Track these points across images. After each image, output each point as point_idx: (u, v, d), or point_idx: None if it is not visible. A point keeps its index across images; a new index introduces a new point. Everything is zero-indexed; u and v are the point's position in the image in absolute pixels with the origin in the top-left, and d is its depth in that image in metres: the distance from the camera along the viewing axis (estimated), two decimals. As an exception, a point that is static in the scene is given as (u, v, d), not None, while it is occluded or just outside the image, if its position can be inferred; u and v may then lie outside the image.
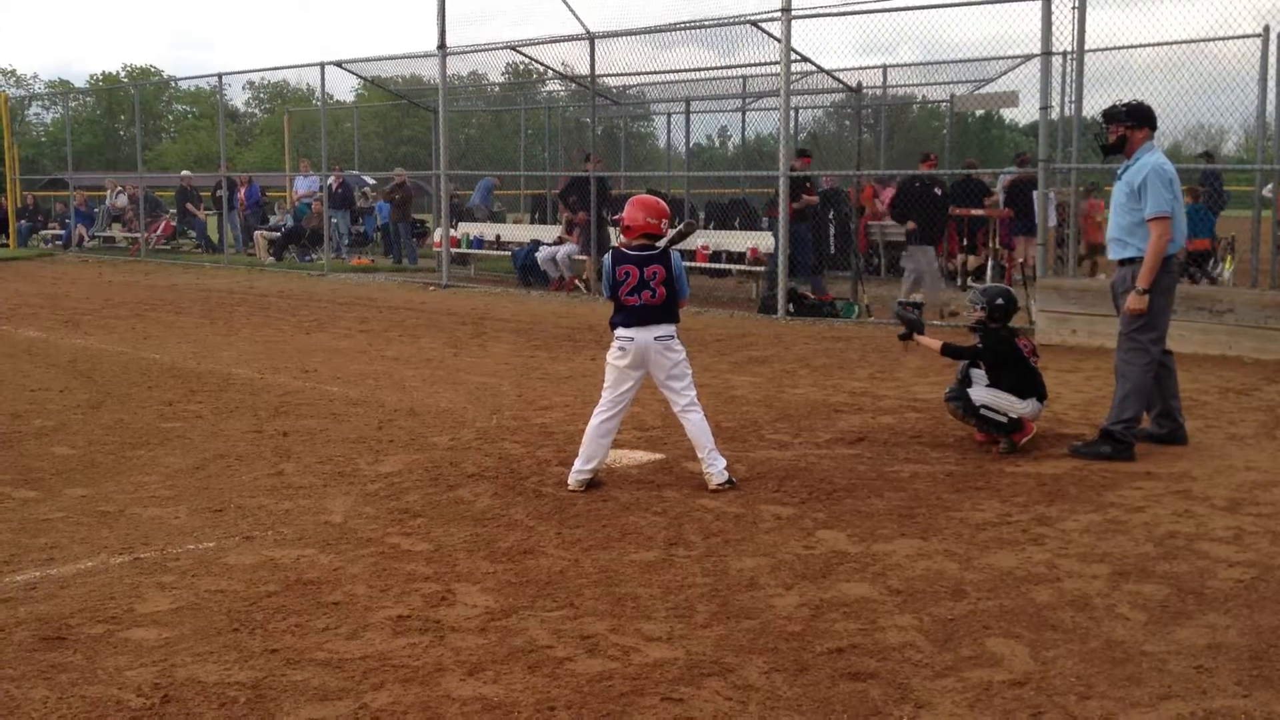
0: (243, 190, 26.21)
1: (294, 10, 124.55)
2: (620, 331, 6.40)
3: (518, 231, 21.77)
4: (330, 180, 23.34)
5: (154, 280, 20.94)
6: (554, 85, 25.31)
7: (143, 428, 8.06)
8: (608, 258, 6.51)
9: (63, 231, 29.80)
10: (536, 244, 19.56)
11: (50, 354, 11.54)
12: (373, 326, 13.98)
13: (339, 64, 22.68)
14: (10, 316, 14.65)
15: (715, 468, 6.39)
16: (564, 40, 18.89)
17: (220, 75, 25.93)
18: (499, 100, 28.27)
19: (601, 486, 6.43)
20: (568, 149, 25.16)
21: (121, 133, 59.58)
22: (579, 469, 6.42)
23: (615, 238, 6.91)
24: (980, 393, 7.24)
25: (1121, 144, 7.32)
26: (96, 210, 29.98)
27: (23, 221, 29.88)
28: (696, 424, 6.44)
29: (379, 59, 23.18)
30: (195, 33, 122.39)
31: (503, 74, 24.93)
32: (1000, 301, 7.44)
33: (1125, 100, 7.43)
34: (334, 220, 23.69)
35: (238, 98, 72.38)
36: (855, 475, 6.71)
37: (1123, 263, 7.29)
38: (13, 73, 75.67)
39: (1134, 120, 7.27)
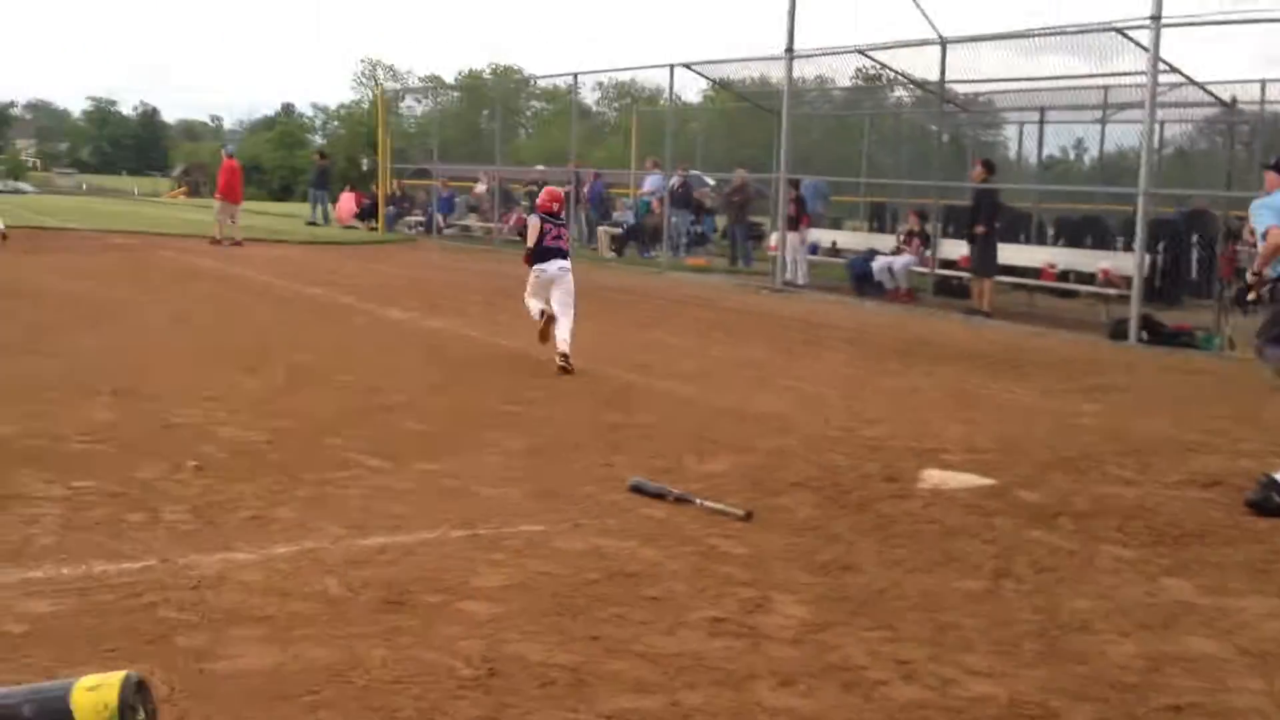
0: (586, 186, 27.13)
1: (645, 12, 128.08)
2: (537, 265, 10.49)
3: (855, 239, 21.57)
4: (673, 180, 23.83)
5: (504, 269, 21.92)
6: (901, 90, 24.91)
7: (486, 410, 8.47)
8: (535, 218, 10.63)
9: (424, 218, 31.80)
10: (873, 253, 19.32)
11: (408, 334, 12.32)
12: (705, 326, 14.18)
13: (688, 66, 23.14)
14: (374, 297, 15.73)
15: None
16: (914, 45, 18.55)
17: (575, 74, 26.95)
18: (844, 104, 28.07)
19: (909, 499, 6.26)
20: (912, 156, 24.70)
21: (482, 126, 62.93)
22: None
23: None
24: None
25: None
26: (456, 199, 31.82)
27: (391, 208, 32.10)
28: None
29: (726, 61, 23.50)
30: (552, 33, 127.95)
31: (850, 78, 24.73)
32: None
33: None
34: (674, 219, 24.18)
35: (589, 96, 75.04)
36: (1207, 521, 6.23)
37: None
38: (391, 68, 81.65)
39: None
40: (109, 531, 5.28)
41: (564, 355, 10.02)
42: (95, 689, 1.26)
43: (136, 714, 1.27)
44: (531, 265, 10.53)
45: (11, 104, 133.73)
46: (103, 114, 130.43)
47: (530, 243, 10.51)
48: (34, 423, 7.29)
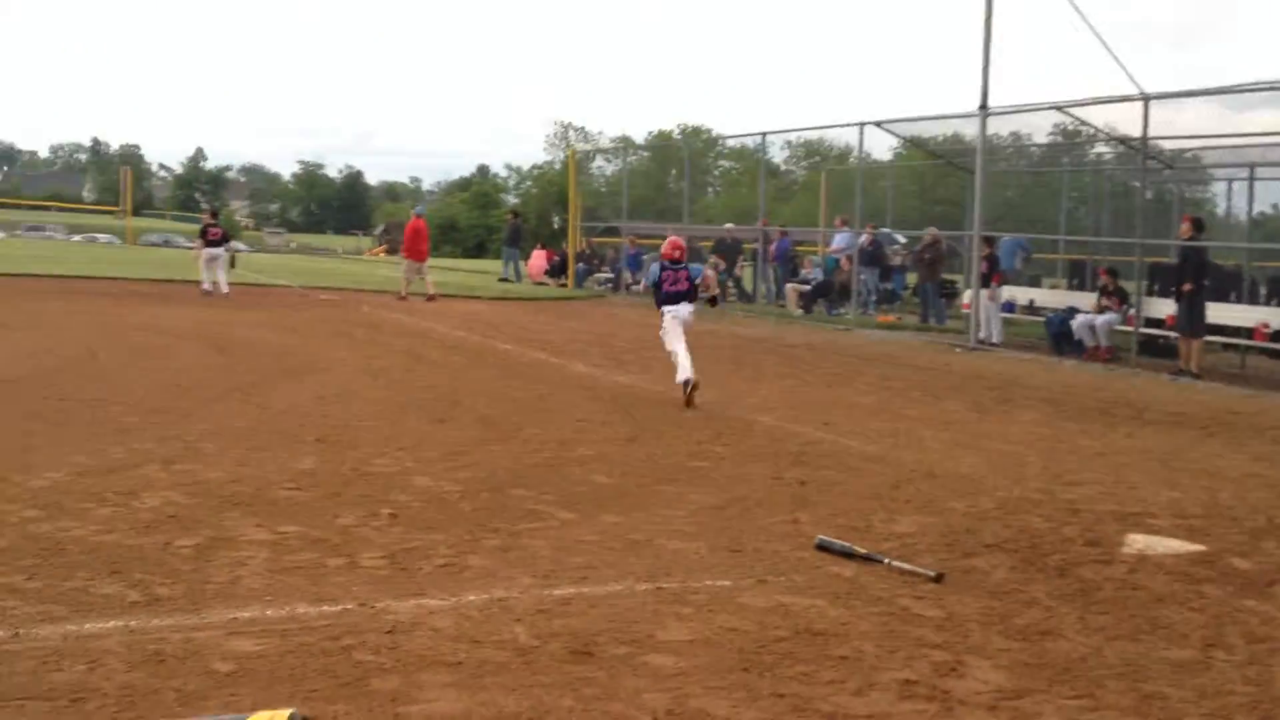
0: (773, 244, 27.14)
1: (835, 71, 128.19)
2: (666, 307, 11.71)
3: (1052, 297, 20.97)
4: (862, 237, 23.65)
5: (691, 325, 22.09)
6: (1101, 146, 24.23)
7: (672, 464, 8.49)
8: (656, 265, 12.13)
9: (613, 275, 32.27)
10: (1073, 311, 18.75)
11: (595, 388, 12.46)
12: (894, 384, 13.94)
13: (878, 124, 22.99)
14: (564, 352, 15.98)
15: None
16: (1114, 101, 18.02)
17: (764, 134, 27.09)
18: (1041, 161, 27.46)
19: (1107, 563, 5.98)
20: (1113, 213, 23.96)
21: (671, 185, 63.75)
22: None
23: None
24: None
25: None
26: (644, 257, 32.19)
27: (580, 265, 32.69)
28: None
29: (918, 119, 23.27)
30: (742, 92, 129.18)
31: (1048, 135, 24.20)
32: None
33: None
34: (863, 277, 23.97)
35: (777, 155, 75.28)
36: None
37: None
38: (582, 129, 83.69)
39: None
40: (310, 575, 5.45)
41: (689, 389, 11.17)
42: None
43: None
44: (661, 307, 11.74)
45: (228, 168, 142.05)
46: (310, 176, 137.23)
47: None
48: (243, 469, 7.61)
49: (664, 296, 11.71)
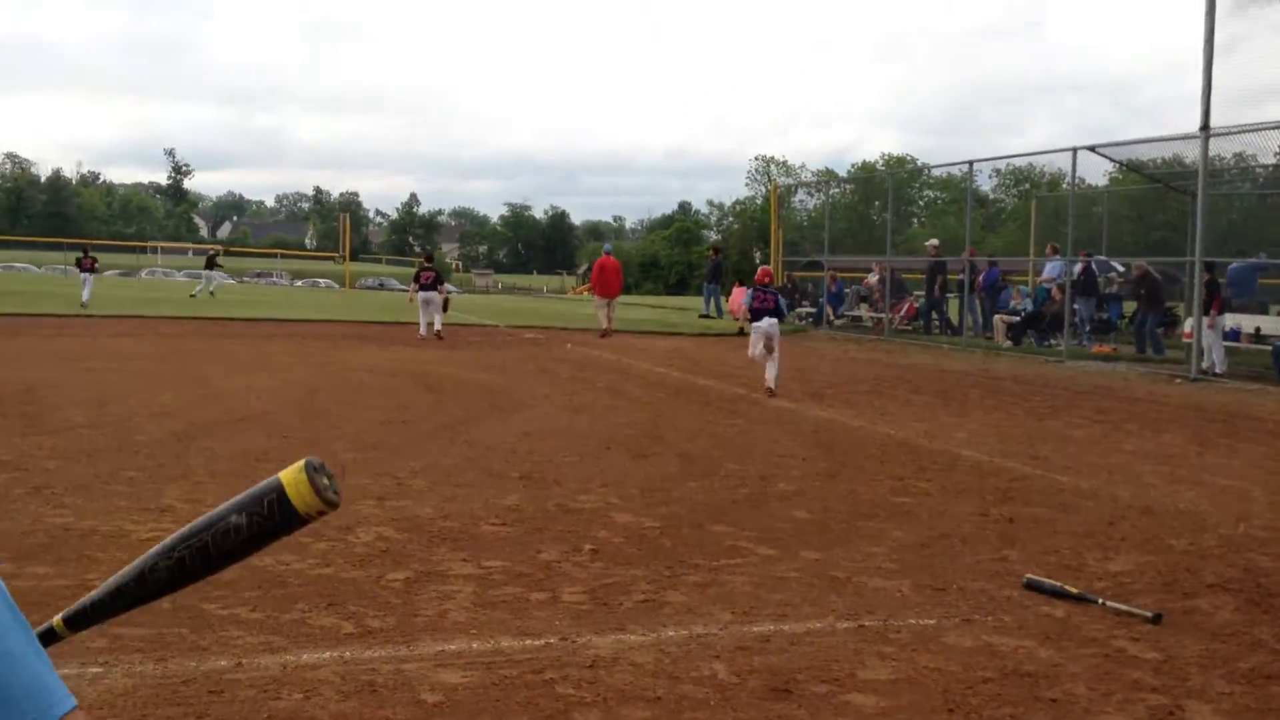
0: (981, 274, 26.51)
1: (1045, 95, 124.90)
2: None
3: (1280, 324, 19.88)
4: (1076, 266, 22.90)
5: (894, 359, 21.79)
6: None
7: (874, 500, 8.36)
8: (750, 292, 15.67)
9: (814, 309, 32.08)
10: (1303, 338, 17.73)
11: (796, 423, 12.38)
12: (1109, 417, 13.42)
13: (1092, 148, 22.27)
14: (764, 387, 15.91)
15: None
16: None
17: (971, 163, 26.50)
18: (1267, 183, 26.11)
19: None
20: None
21: (875, 218, 63.01)
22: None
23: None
24: None
25: None
26: (846, 291, 31.91)
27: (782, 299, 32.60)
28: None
29: (1134, 142, 22.46)
30: (944, 121, 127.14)
31: (1274, 154, 22.98)
32: None
33: None
34: (1076, 306, 23.19)
35: (985, 183, 73.62)
36: None
37: None
38: (784, 163, 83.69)
39: None
40: (514, 609, 5.56)
41: (769, 389, 14.75)
42: (289, 468, 1.59)
43: (321, 475, 1.59)
44: (751, 322, 15.21)
45: (439, 212, 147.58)
46: (517, 218, 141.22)
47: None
48: (451, 505, 7.83)
49: (755, 313, 15.03)
